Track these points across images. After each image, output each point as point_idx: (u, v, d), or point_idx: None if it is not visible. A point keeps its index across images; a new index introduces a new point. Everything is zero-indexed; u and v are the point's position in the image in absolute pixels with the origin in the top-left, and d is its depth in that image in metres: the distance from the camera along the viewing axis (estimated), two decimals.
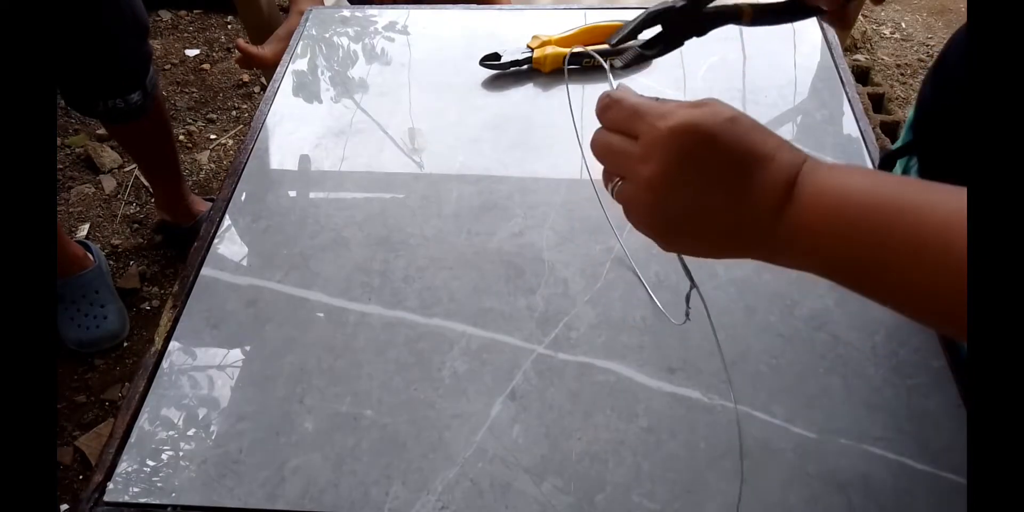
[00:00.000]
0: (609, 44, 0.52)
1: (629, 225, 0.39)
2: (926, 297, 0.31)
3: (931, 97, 0.57)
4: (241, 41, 1.06)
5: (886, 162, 0.61)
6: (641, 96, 0.37)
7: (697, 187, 0.34)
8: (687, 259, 0.40)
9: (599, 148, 0.38)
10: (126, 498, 0.49)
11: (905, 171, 0.63)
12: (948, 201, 0.30)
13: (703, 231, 0.36)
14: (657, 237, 0.38)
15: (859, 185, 0.33)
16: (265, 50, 1.06)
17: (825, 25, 0.85)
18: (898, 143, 0.65)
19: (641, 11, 0.51)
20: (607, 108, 0.38)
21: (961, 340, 0.33)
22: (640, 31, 0.52)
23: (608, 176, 0.39)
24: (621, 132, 0.37)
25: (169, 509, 0.49)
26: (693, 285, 0.41)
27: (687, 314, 0.44)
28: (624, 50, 0.53)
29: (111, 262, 1.58)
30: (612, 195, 0.38)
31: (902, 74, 1.99)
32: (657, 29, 0.52)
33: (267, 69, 1.00)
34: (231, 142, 1.89)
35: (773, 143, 0.35)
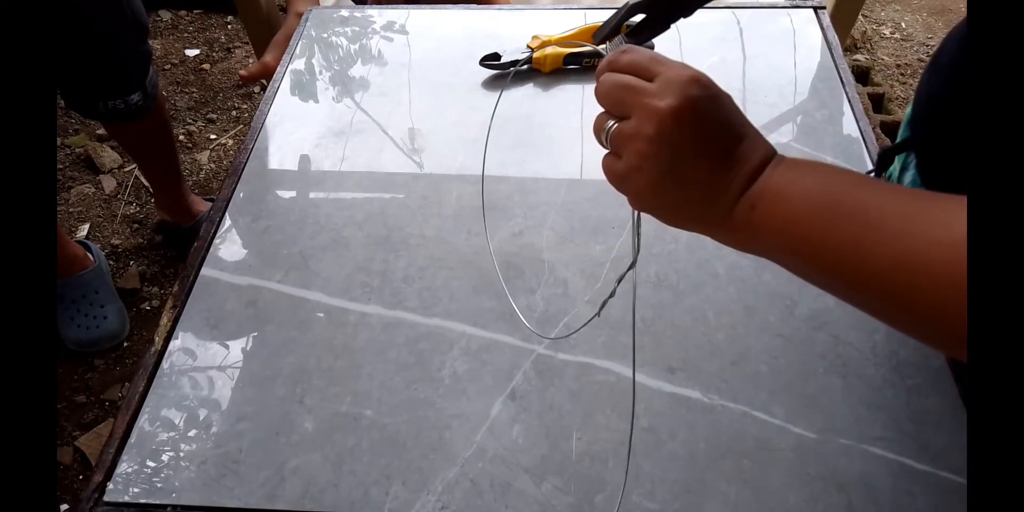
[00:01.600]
0: (594, 42, 0.52)
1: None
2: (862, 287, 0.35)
3: (927, 94, 0.57)
4: (243, 72, 1.07)
5: (883, 158, 0.61)
6: None
7: (696, 137, 0.36)
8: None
9: (609, 84, 0.38)
10: (126, 498, 0.49)
11: (903, 167, 0.63)
12: (895, 202, 0.32)
13: (679, 190, 0.37)
14: (637, 188, 0.38)
15: (811, 182, 0.35)
16: (267, 58, 1.06)
17: (826, 25, 0.85)
18: (897, 141, 0.65)
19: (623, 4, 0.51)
20: (625, 53, 0.39)
21: (896, 327, 0.36)
22: (623, 24, 0.51)
23: (604, 118, 0.39)
24: (635, 74, 0.38)
25: (169, 509, 0.49)
26: (632, 266, 0.42)
27: (600, 310, 0.46)
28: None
29: (111, 262, 1.58)
30: (605, 136, 0.38)
31: (902, 74, 1.99)
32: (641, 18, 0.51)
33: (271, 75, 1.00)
34: (231, 142, 1.89)
35: (753, 131, 0.37)
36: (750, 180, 0.36)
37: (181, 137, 1.88)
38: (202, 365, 0.57)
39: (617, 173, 0.38)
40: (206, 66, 2.11)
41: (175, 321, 0.60)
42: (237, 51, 2.17)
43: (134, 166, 1.78)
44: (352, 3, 1.21)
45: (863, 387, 0.53)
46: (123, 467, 0.51)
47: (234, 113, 1.97)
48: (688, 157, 0.36)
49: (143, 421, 0.53)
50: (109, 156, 1.81)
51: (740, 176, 0.36)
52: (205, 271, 0.63)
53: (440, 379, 0.55)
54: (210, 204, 1.57)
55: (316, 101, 0.80)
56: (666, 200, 0.38)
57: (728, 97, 0.37)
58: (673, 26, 0.49)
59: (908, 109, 0.63)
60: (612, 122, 0.38)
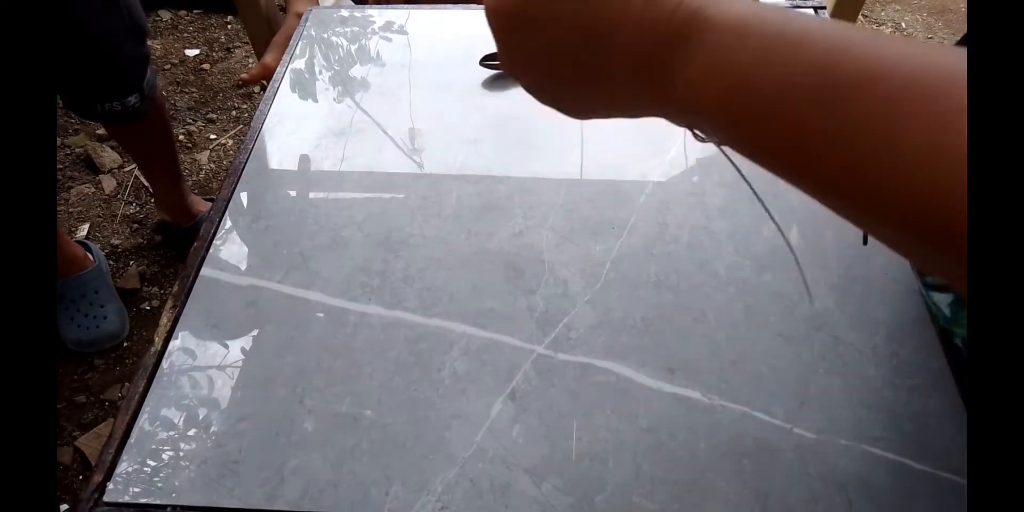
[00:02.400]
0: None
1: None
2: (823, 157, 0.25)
3: None
4: (244, 75, 1.07)
5: None
6: None
7: (539, 65, 0.31)
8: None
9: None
10: (126, 498, 0.49)
11: None
12: (885, 47, 0.24)
13: (574, 98, 0.32)
14: (552, 98, 0.34)
15: (764, 21, 0.26)
16: (267, 59, 1.06)
17: None
18: None
19: None
20: None
21: (864, 228, 0.27)
22: None
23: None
24: None
25: (169, 509, 0.49)
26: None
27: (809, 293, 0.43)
28: None
29: (111, 262, 1.58)
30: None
31: None
32: None
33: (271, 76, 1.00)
34: (231, 142, 1.89)
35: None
36: (663, 52, 0.28)
37: (181, 137, 1.89)
38: (202, 365, 0.57)
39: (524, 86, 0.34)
40: (206, 66, 2.12)
41: (175, 321, 0.60)
42: (237, 51, 2.17)
43: (134, 166, 1.78)
44: (352, 3, 1.21)
45: (863, 387, 0.53)
46: (123, 467, 0.51)
47: (234, 113, 1.97)
48: (547, 81, 0.32)
49: (143, 421, 0.53)
50: (109, 156, 1.81)
51: (641, 60, 0.29)
52: (205, 271, 0.63)
53: (440, 379, 0.55)
54: (210, 204, 1.57)
55: (316, 101, 0.80)
56: (558, 91, 0.33)
57: None
58: None
59: None
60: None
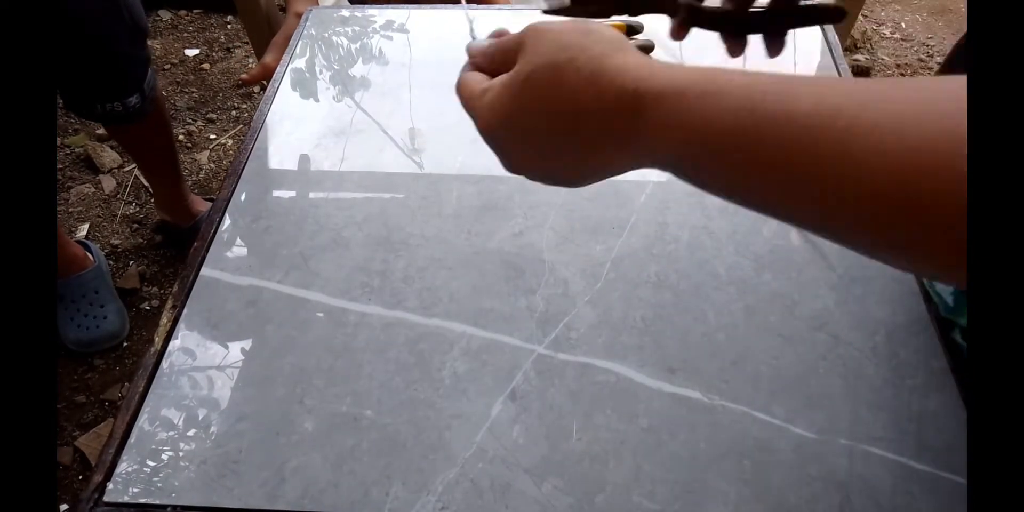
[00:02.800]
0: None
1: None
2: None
3: None
4: (244, 76, 1.07)
5: None
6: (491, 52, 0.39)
7: (536, 160, 0.36)
8: None
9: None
10: (126, 498, 0.49)
11: None
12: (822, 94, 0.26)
13: (580, 175, 0.36)
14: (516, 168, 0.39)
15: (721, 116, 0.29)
16: (267, 59, 1.06)
17: (826, 25, 0.85)
18: None
19: None
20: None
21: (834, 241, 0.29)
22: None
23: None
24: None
25: (169, 509, 0.49)
26: None
27: None
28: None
29: (111, 262, 1.58)
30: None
31: (902, 74, 1.99)
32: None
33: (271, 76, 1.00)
34: (231, 142, 1.89)
35: (590, 92, 0.32)
36: (629, 126, 0.32)
37: (181, 137, 1.88)
38: (202, 365, 0.57)
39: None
40: (206, 66, 2.12)
41: (175, 321, 0.60)
42: (237, 51, 2.17)
43: (134, 166, 1.78)
44: (349, 3, 1.21)
45: (863, 387, 0.53)
46: (123, 467, 0.51)
47: (234, 113, 1.97)
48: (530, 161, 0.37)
49: (143, 421, 0.53)
50: (109, 156, 1.81)
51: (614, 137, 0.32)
52: (205, 271, 0.63)
53: (440, 379, 0.55)
54: (210, 204, 1.57)
55: (316, 101, 0.80)
56: (563, 174, 0.37)
57: (522, 99, 0.34)
58: None
59: None
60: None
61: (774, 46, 0.50)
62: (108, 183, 1.77)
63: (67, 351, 1.41)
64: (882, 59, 2.04)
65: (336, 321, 0.59)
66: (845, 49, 1.71)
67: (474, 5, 0.93)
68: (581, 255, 0.63)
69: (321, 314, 0.59)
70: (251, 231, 0.66)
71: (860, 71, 1.94)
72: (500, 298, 0.60)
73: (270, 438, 0.52)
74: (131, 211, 1.71)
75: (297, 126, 0.77)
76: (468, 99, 0.38)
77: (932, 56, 2.06)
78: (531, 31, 0.36)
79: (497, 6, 0.94)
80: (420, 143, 0.74)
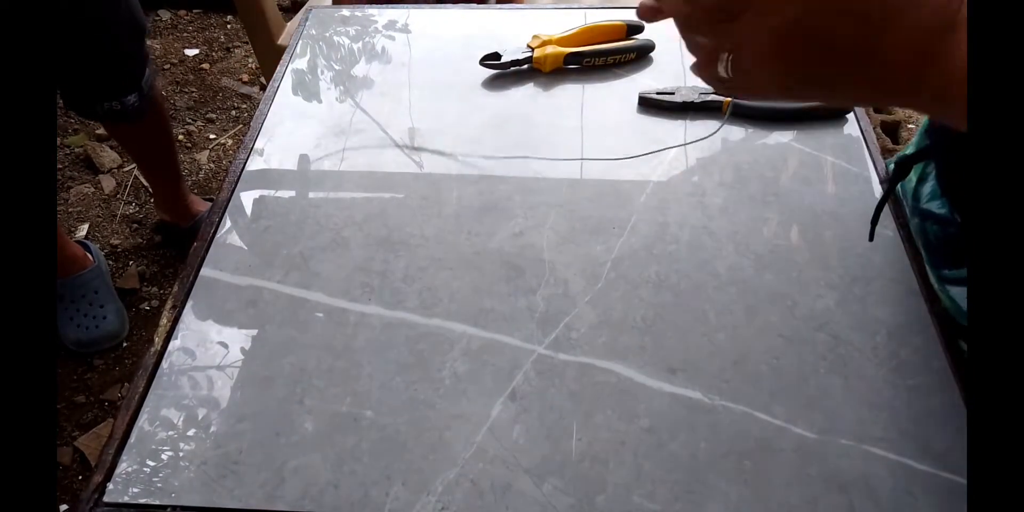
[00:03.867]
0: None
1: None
2: None
3: None
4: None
5: (901, 168, 0.60)
6: None
7: (824, 42, 0.32)
8: None
9: (696, 19, 0.35)
10: (126, 499, 0.49)
11: (921, 178, 0.62)
12: None
13: (838, 78, 0.33)
14: (789, 89, 0.35)
15: None
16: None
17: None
18: (910, 147, 0.65)
19: None
20: None
21: None
22: None
23: (711, 55, 0.36)
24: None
25: (169, 510, 0.49)
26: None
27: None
28: None
29: (111, 262, 1.58)
30: (725, 70, 0.35)
31: None
32: None
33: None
34: (231, 142, 1.89)
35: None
36: (923, 58, 0.30)
37: (180, 137, 1.89)
38: (202, 365, 0.57)
39: (762, 88, 0.35)
40: (205, 66, 2.12)
41: (175, 321, 0.60)
42: (237, 51, 2.17)
43: (134, 166, 1.78)
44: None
45: (864, 387, 0.53)
46: (123, 467, 0.51)
47: (233, 113, 1.97)
48: (825, 56, 0.32)
49: (143, 421, 0.53)
50: (109, 156, 1.81)
51: (906, 58, 0.31)
52: (205, 271, 0.63)
53: (440, 379, 0.55)
54: (209, 204, 1.57)
55: (316, 101, 0.80)
56: (830, 93, 0.34)
57: None
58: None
59: (926, 117, 0.62)
60: (727, 54, 0.35)
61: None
62: (108, 183, 1.77)
63: (67, 351, 1.41)
64: None
65: (336, 321, 0.59)
66: None
67: (474, 5, 0.93)
68: (581, 255, 0.63)
69: (321, 314, 0.59)
70: (251, 231, 0.66)
71: None
72: (500, 298, 0.60)
73: (270, 438, 0.52)
74: (131, 211, 1.71)
75: (297, 126, 0.77)
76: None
77: None
78: None
79: (518, 5, 0.94)
80: (420, 143, 0.74)
